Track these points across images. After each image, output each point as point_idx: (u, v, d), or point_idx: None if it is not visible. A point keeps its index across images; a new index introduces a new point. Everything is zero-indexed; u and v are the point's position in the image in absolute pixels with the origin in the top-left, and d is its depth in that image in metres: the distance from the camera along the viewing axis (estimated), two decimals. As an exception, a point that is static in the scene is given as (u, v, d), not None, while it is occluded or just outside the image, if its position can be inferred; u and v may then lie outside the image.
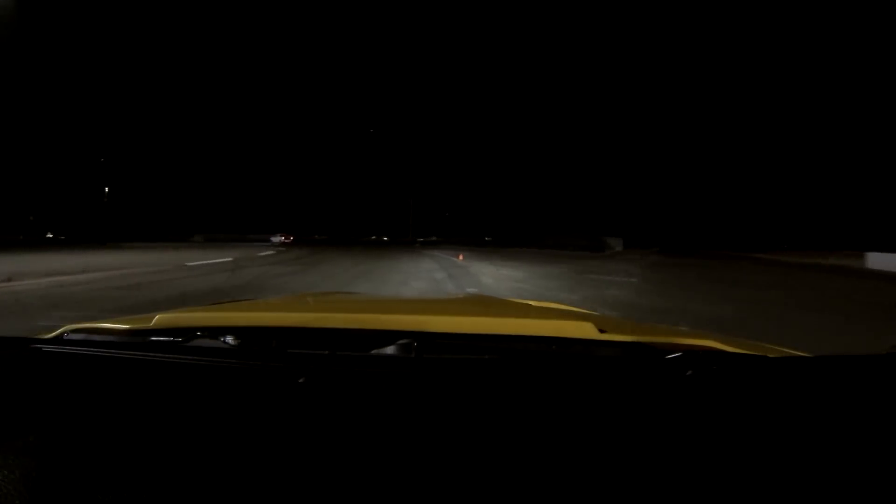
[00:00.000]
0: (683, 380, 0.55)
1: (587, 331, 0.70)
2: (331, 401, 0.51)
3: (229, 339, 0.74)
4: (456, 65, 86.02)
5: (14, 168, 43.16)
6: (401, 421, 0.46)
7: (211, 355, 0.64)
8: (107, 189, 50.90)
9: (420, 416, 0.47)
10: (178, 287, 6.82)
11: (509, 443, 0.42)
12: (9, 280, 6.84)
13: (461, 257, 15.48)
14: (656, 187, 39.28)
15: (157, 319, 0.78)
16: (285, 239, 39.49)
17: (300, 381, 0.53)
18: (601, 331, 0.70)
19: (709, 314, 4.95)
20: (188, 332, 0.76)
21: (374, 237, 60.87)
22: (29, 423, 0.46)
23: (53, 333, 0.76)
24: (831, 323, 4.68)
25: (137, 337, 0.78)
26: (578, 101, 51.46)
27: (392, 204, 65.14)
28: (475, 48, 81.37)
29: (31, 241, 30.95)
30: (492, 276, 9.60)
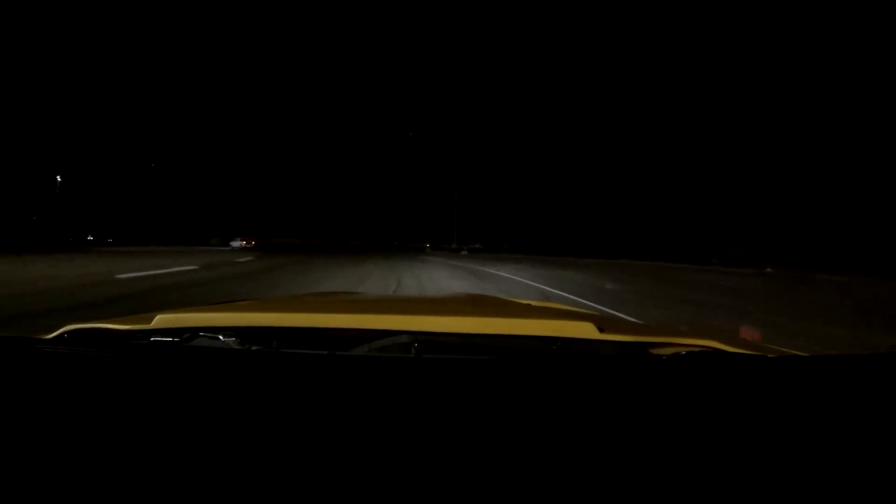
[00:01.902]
0: (683, 379, 0.56)
1: (587, 331, 0.69)
2: (331, 401, 0.50)
3: (229, 340, 0.74)
4: (488, 64, 76.51)
5: (19, 169, 40.38)
6: (401, 421, 0.45)
7: (211, 355, 0.65)
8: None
9: (420, 415, 0.46)
10: None
11: (509, 443, 0.41)
12: None
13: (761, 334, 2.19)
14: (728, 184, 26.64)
15: (158, 319, 0.77)
16: (246, 244, 36.43)
17: (300, 381, 0.55)
18: (601, 330, 0.69)
19: None
20: (188, 332, 0.76)
21: (415, 244, 52.16)
22: (28, 423, 0.45)
23: (53, 334, 0.76)
24: None
25: (137, 337, 0.78)
26: (618, 96, 39.45)
27: (433, 207, 57.52)
28: (506, 47, 71.50)
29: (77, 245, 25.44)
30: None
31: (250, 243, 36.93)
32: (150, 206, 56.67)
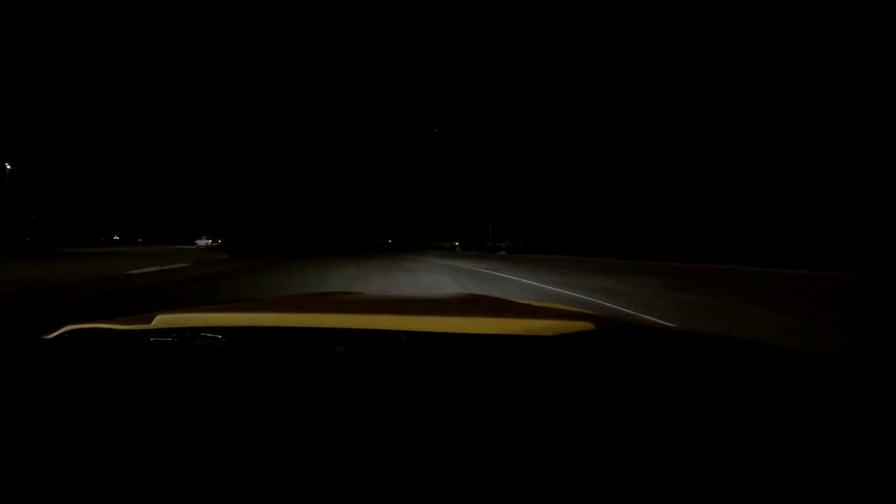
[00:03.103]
0: (678, 375, 0.57)
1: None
2: (330, 400, 0.50)
3: (229, 340, 0.74)
4: (528, 39, 69.16)
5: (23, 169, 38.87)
6: (400, 420, 0.45)
7: (211, 355, 0.65)
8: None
9: (419, 415, 0.46)
10: None
11: (507, 441, 0.41)
12: None
13: None
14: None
15: (158, 319, 0.77)
16: (212, 242, 34.19)
17: (300, 380, 0.55)
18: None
19: None
20: (188, 332, 0.76)
21: (443, 242, 46.41)
22: (28, 422, 0.45)
23: (53, 334, 0.75)
24: None
25: (137, 337, 0.77)
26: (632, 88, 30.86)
27: (465, 202, 51.95)
28: (554, 19, 63.85)
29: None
30: None
31: (216, 242, 35.06)
32: (178, 206, 56.95)
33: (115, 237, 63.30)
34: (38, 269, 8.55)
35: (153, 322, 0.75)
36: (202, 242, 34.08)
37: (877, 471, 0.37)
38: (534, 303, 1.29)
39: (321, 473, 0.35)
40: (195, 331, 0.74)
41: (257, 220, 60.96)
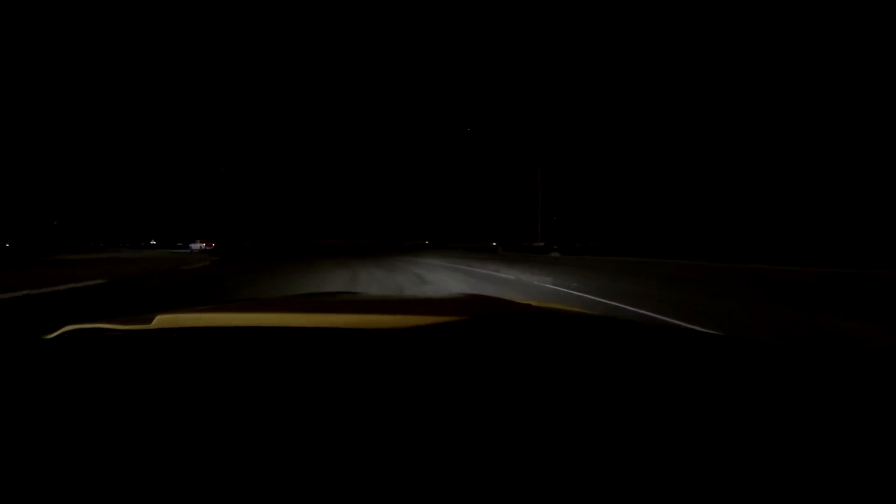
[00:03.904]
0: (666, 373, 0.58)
1: None
2: (330, 401, 0.50)
3: (229, 340, 0.74)
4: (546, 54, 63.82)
5: (29, 173, 39.41)
6: (400, 421, 0.46)
7: (211, 356, 0.66)
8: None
9: (419, 415, 0.47)
10: None
11: (504, 440, 0.42)
12: None
13: None
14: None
15: (158, 320, 0.77)
16: (206, 245, 35.14)
17: (300, 381, 0.55)
18: None
19: None
20: (188, 332, 0.75)
21: (483, 244, 42.59)
22: (27, 423, 0.45)
23: (53, 334, 0.75)
24: None
25: (138, 337, 0.76)
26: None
27: (507, 200, 48.14)
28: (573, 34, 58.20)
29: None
30: None
31: (210, 245, 35.85)
32: (214, 210, 58.73)
33: (153, 242, 64.73)
34: None
35: (153, 322, 0.75)
36: (196, 246, 34.82)
37: (873, 471, 0.36)
38: (534, 303, 1.24)
39: (322, 472, 0.35)
40: (195, 331, 0.75)
41: (288, 222, 60.43)
